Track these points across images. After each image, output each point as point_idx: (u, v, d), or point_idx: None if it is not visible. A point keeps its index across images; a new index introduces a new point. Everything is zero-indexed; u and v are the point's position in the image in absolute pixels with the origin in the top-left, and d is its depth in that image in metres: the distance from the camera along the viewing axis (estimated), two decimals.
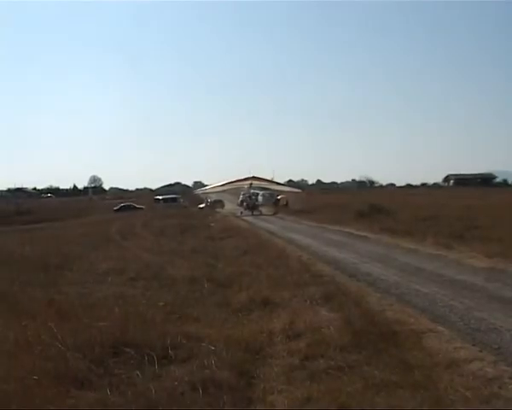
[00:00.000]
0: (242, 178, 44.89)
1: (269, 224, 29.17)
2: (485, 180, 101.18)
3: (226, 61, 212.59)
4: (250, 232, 22.20)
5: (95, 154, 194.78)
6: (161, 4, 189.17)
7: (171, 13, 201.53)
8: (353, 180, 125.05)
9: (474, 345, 5.90)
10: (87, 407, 4.33)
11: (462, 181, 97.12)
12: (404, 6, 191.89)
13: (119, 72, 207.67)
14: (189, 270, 11.22)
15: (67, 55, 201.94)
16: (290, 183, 79.01)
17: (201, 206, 50.24)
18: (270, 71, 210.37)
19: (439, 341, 6.06)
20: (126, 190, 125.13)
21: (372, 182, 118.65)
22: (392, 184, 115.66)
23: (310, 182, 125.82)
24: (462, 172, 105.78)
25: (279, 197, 45.59)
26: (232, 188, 48.30)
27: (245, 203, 42.71)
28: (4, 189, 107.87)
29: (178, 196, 61.08)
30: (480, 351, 5.69)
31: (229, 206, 49.39)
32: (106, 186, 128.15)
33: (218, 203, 50.77)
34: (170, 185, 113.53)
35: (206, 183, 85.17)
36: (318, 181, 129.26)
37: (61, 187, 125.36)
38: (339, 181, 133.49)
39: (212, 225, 27.19)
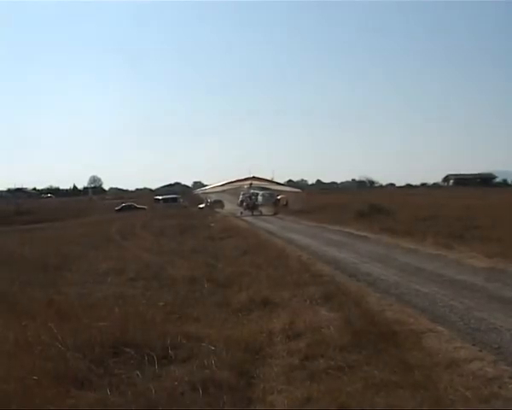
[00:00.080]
0: (242, 178, 44.95)
1: (268, 224, 29.18)
2: (485, 180, 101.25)
3: (226, 61, 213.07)
4: (250, 232, 22.20)
5: (95, 154, 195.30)
6: (161, 4, 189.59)
7: (171, 13, 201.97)
8: (353, 180, 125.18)
9: (473, 345, 5.89)
10: (87, 407, 4.32)
11: (461, 181, 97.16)
12: (404, 6, 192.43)
13: (119, 72, 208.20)
14: (189, 270, 11.22)
15: (67, 55, 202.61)
16: (290, 183, 79.07)
17: (201, 206, 50.23)
18: (270, 71, 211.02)
19: (439, 341, 6.05)
20: (126, 191, 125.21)
21: (372, 182, 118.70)
22: (392, 184, 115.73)
23: (310, 182, 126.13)
24: (462, 172, 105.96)
25: (279, 197, 45.62)
26: (232, 188, 48.36)
27: (245, 203, 42.74)
28: (4, 189, 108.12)
29: (178, 197, 61.12)
30: (480, 351, 5.68)
31: (229, 206, 49.40)
32: (106, 186, 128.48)
33: (218, 203, 50.78)
34: (170, 185, 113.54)
35: (205, 183, 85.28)
36: (318, 181, 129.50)
37: (61, 187, 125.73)
38: (338, 181, 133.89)
39: (212, 225, 27.19)
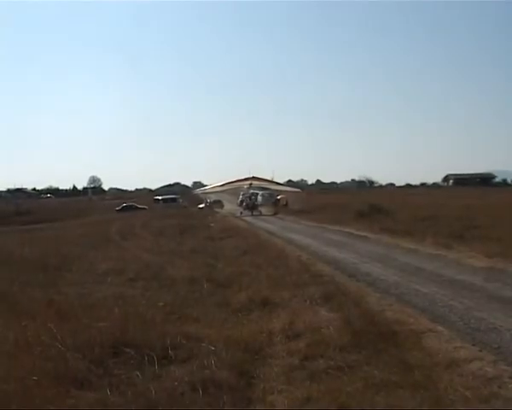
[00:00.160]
0: (242, 178, 44.94)
1: (268, 224, 29.18)
2: (485, 180, 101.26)
3: (226, 61, 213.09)
4: (249, 232, 22.20)
5: (94, 154, 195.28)
6: (161, 4, 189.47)
7: (171, 13, 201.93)
8: (353, 180, 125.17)
9: (473, 345, 5.90)
10: (87, 407, 4.33)
11: (461, 181, 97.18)
12: (404, 6, 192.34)
13: (119, 72, 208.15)
14: (189, 270, 11.22)
15: (67, 55, 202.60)
16: (290, 183, 79.09)
17: (201, 206, 50.21)
18: (270, 71, 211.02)
19: (439, 341, 6.06)
20: (126, 191, 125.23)
21: (372, 182, 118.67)
22: (392, 184, 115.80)
23: (309, 182, 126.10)
24: (462, 172, 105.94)
25: (279, 197, 45.62)
26: (232, 188, 48.33)
27: (244, 203, 42.73)
28: (4, 189, 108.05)
29: (178, 197, 61.18)
30: (480, 351, 5.69)
31: (229, 206, 49.39)
32: (105, 186, 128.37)
33: (218, 203, 50.78)
34: (169, 185, 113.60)
35: (205, 183, 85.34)
36: (318, 181, 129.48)
37: (61, 187, 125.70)
38: (338, 181, 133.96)
39: (212, 225, 27.18)
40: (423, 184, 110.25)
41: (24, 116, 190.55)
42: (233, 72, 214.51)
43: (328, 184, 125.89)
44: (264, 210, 41.10)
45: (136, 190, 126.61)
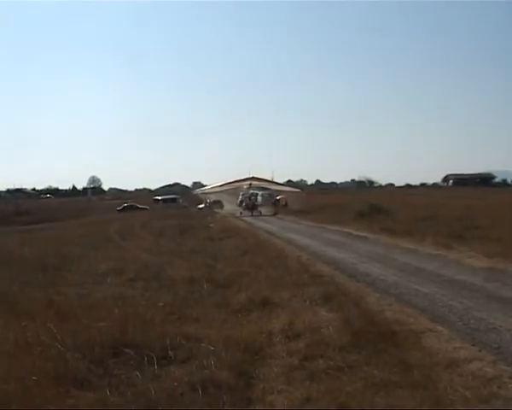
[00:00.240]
0: (242, 178, 44.90)
1: (268, 224, 29.18)
2: (485, 180, 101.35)
3: (226, 61, 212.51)
4: (249, 233, 22.21)
5: (94, 154, 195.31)
6: (161, 4, 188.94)
7: (171, 13, 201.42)
8: (353, 180, 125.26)
9: (473, 345, 5.90)
10: (87, 407, 4.33)
11: (461, 181, 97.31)
12: (404, 6, 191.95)
13: (119, 72, 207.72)
14: (189, 270, 11.22)
15: (67, 55, 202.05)
16: (289, 183, 79.03)
17: (201, 206, 50.17)
18: (270, 71, 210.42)
19: (439, 341, 6.06)
20: (125, 191, 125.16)
21: (371, 182, 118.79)
22: (392, 184, 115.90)
23: (309, 182, 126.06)
24: (462, 172, 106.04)
25: (278, 197, 45.65)
26: (231, 188, 48.29)
27: (244, 204, 42.74)
28: (4, 189, 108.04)
29: (178, 197, 61.16)
30: (480, 351, 5.69)
31: (229, 206, 49.34)
32: (105, 187, 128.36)
33: (218, 204, 50.71)
34: (169, 186, 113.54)
35: (205, 183, 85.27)
36: (318, 181, 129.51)
37: (61, 188, 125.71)
38: (338, 181, 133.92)
39: (212, 225, 27.18)
40: (423, 185, 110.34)
41: (24, 116, 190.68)
42: (233, 72, 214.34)
43: (327, 184, 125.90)
44: (263, 210, 41.09)
45: (136, 190, 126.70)
